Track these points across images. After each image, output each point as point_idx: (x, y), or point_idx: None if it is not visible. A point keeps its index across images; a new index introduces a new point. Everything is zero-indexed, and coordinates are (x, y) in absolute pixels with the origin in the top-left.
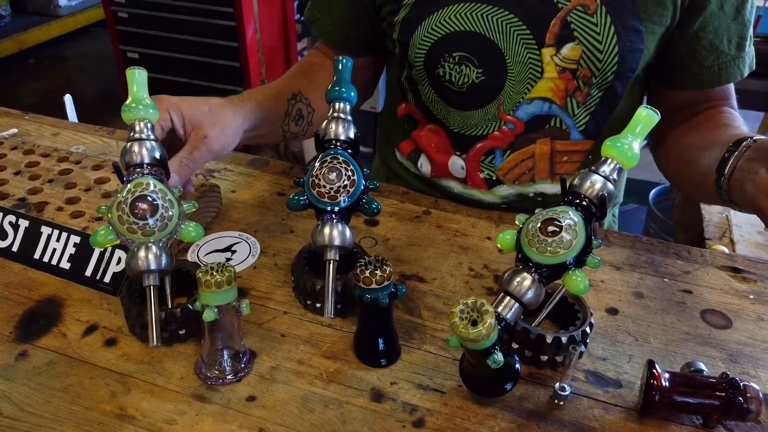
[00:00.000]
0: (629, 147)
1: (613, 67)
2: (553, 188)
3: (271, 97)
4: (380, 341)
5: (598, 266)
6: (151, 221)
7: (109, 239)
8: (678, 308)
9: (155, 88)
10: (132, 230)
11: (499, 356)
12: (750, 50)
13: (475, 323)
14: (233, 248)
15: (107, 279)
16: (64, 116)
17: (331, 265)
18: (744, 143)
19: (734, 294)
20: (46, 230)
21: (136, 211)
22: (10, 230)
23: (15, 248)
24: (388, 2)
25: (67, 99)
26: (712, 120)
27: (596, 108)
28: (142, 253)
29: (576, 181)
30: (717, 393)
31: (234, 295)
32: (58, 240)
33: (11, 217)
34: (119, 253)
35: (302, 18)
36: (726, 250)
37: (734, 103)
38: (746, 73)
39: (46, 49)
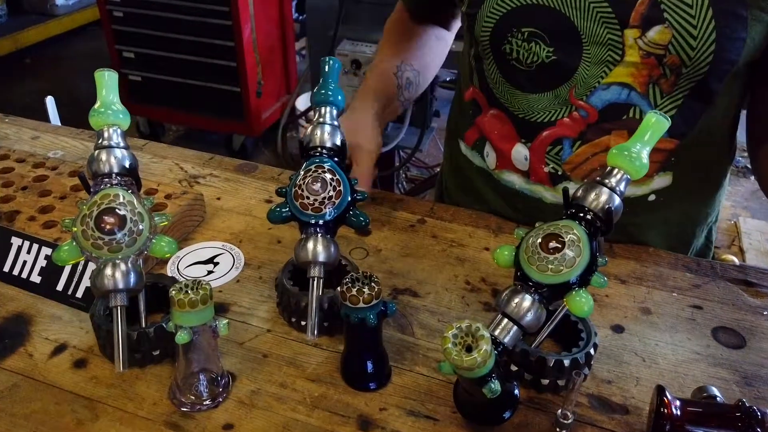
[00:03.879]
0: (637, 156)
1: (708, 57)
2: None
3: (384, 82)
4: (369, 363)
5: (604, 286)
6: (118, 236)
7: (74, 256)
8: (688, 325)
9: (151, 87)
10: (98, 246)
11: (495, 385)
12: None
13: (469, 349)
14: (215, 260)
15: (79, 294)
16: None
17: (315, 283)
18: None
19: (747, 310)
20: (16, 241)
21: (103, 225)
22: None
23: None
24: None
25: (49, 101)
26: None
27: (685, 102)
28: (108, 271)
29: (580, 193)
30: (733, 422)
31: (210, 314)
32: (28, 252)
33: None
34: (93, 266)
35: (300, 17)
36: (736, 260)
37: None
38: None
39: (43, 49)
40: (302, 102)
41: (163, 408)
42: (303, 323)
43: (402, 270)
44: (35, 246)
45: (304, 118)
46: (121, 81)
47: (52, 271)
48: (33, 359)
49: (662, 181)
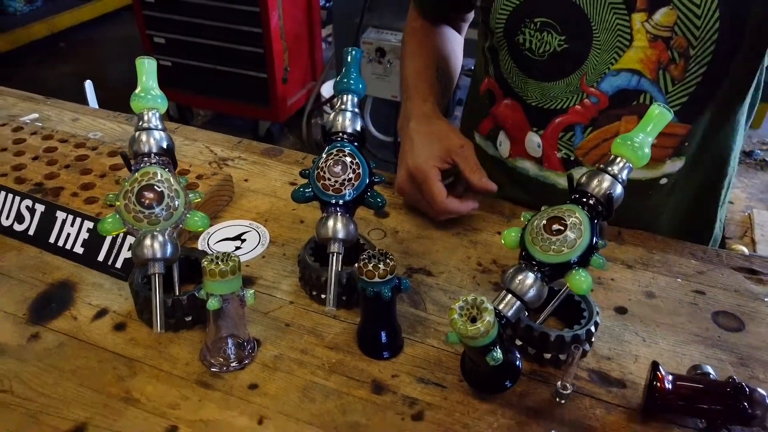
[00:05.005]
0: (640, 146)
1: (713, 35)
2: (637, 174)
3: (435, 87)
4: (383, 334)
5: (603, 267)
6: (156, 210)
7: (117, 227)
8: (689, 309)
9: (180, 72)
10: (138, 219)
11: (498, 354)
12: None
13: (474, 320)
14: (243, 237)
15: (119, 264)
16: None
17: (335, 258)
18: None
19: (749, 296)
20: (61, 215)
21: (143, 200)
22: (27, 214)
23: (31, 232)
24: None
25: (88, 85)
26: None
27: (697, 88)
28: (147, 242)
29: (583, 179)
30: (722, 397)
31: (238, 284)
32: (72, 225)
33: (28, 202)
34: (131, 239)
35: (327, 4)
36: (746, 250)
37: None
38: None
39: (76, 33)
40: (327, 89)
41: (194, 368)
42: (323, 296)
43: (417, 251)
44: (78, 219)
45: (329, 104)
46: None
47: (93, 242)
48: (77, 322)
49: (674, 165)
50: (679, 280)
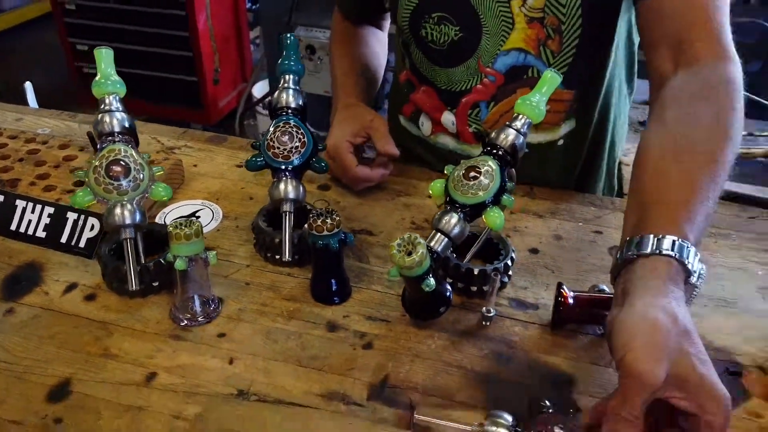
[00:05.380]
0: (537, 104)
1: (577, 10)
2: (538, 137)
3: (361, 83)
4: (333, 282)
5: (512, 205)
6: (124, 182)
7: (87, 199)
8: (589, 246)
9: None
10: (108, 191)
11: (431, 281)
12: None
13: (410, 254)
14: (197, 214)
15: (82, 244)
16: (24, 105)
17: (288, 216)
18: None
19: None
20: (20, 203)
21: (111, 173)
22: None
23: None
24: None
25: (28, 86)
26: (694, 90)
27: (574, 58)
28: (118, 211)
29: (493, 135)
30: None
31: (201, 246)
32: (33, 212)
33: None
34: (92, 220)
35: (253, 7)
36: None
37: (724, 36)
38: None
39: None
40: (259, 89)
41: (165, 326)
42: (277, 257)
43: (358, 216)
44: (38, 206)
45: (261, 105)
46: (75, 74)
47: (55, 226)
48: (49, 296)
49: (568, 126)
50: (580, 224)
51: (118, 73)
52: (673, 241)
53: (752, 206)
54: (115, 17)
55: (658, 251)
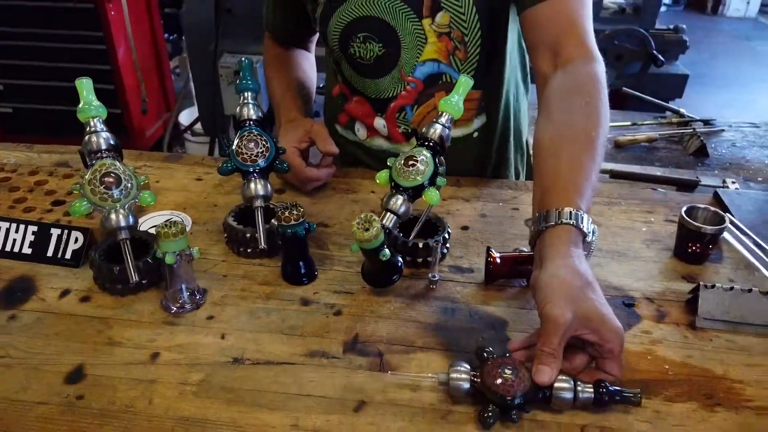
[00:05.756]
0: (456, 103)
1: (476, 26)
2: (456, 132)
3: (298, 100)
4: (301, 265)
5: (444, 184)
6: (116, 191)
7: (84, 208)
8: (509, 220)
9: (24, 118)
10: (103, 199)
11: (386, 251)
12: None
13: (367, 230)
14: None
15: (68, 256)
16: None
17: (260, 211)
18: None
19: None
20: (3, 225)
21: (105, 184)
22: None
23: None
24: (309, 2)
25: None
26: (570, 88)
27: (477, 65)
28: (113, 216)
29: (424, 130)
30: (531, 260)
31: (186, 243)
32: (17, 231)
33: None
34: (75, 233)
35: (171, 37)
36: None
37: (589, 38)
38: None
39: None
40: (186, 117)
41: (159, 315)
42: (249, 250)
43: (314, 212)
44: (21, 226)
45: (189, 132)
46: None
47: (40, 242)
48: (46, 302)
49: (479, 121)
50: (500, 204)
51: (42, 111)
52: (570, 212)
53: (638, 181)
54: (33, 55)
55: (560, 221)
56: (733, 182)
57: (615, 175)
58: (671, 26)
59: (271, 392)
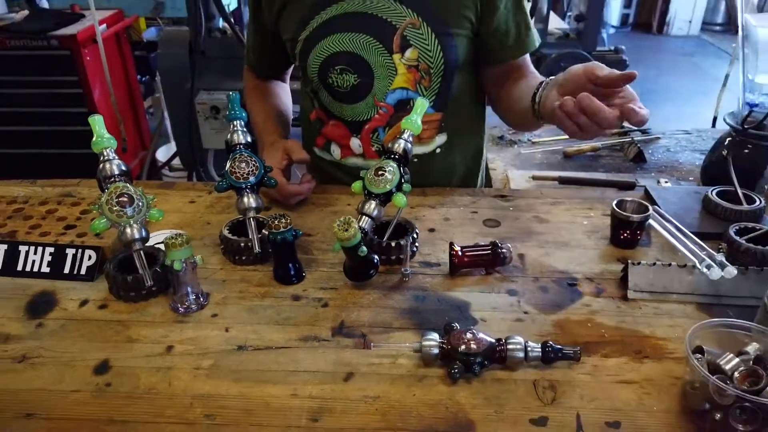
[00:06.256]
0: (415, 122)
1: (440, 61)
2: (420, 149)
3: (278, 127)
4: (291, 267)
5: (409, 190)
6: (129, 209)
7: (103, 225)
8: (470, 222)
9: (7, 163)
10: (119, 216)
11: (364, 248)
12: (534, 31)
13: (346, 230)
14: None
15: (83, 272)
16: None
17: (252, 221)
18: (544, 82)
19: (500, 209)
20: (23, 248)
21: (120, 204)
22: None
23: None
24: (288, 40)
25: None
26: (523, 80)
27: (439, 90)
28: (128, 230)
29: (390, 145)
30: (489, 252)
31: (191, 252)
32: (35, 253)
33: None
34: (89, 251)
35: (143, 79)
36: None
37: (534, 70)
38: (536, 44)
39: None
40: (162, 153)
41: (169, 316)
42: (244, 258)
43: (299, 224)
44: (39, 248)
45: (167, 167)
46: None
47: (57, 261)
48: (68, 311)
49: (441, 139)
50: (461, 208)
51: (18, 155)
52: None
53: (583, 185)
54: (10, 101)
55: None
56: (666, 181)
57: (563, 181)
58: (612, 47)
59: (272, 371)
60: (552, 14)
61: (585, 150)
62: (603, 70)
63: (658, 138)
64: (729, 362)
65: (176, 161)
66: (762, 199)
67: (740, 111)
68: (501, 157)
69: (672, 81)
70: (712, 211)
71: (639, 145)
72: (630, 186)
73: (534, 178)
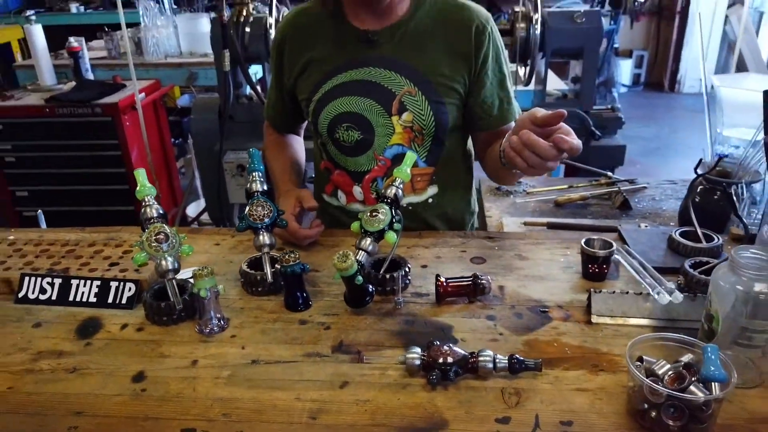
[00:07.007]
0: (405, 171)
1: (431, 124)
2: (415, 198)
3: (293, 176)
4: (299, 296)
5: (399, 228)
6: (165, 245)
7: (143, 258)
8: (459, 259)
9: (49, 221)
10: (157, 250)
11: (360, 278)
12: (514, 106)
13: (344, 261)
14: None
15: (124, 301)
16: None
17: (267, 255)
18: (507, 134)
19: (487, 248)
20: (74, 282)
21: (157, 240)
22: (48, 287)
23: (54, 297)
24: (303, 100)
25: (40, 214)
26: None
27: (431, 148)
28: (164, 262)
29: (383, 191)
30: (470, 283)
31: (215, 282)
32: (84, 285)
33: (48, 279)
34: (129, 284)
35: (176, 141)
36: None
37: None
38: (516, 116)
39: None
40: (192, 209)
41: (195, 337)
42: (259, 289)
43: (308, 261)
44: (88, 281)
45: (196, 222)
46: (15, 217)
47: (103, 292)
48: (111, 333)
49: (432, 190)
50: (452, 248)
51: (60, 212)
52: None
53: (570, 230)
54: (54, 163)
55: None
56: (646, 225)
57: (551, 226)
58: (609, 105)
59: (279, 380)
60: (552, 76)
61: (575, 199)
62: (540, 112)
63: (645, 187)
64: (662, 368)
65: (205, 216)
66: (719, 238)
67: (710, 162)
68: (497, 205)
69: (685, 137)
70: (675, 248)
71: (624, 194)
72: (612, 230)
73: (525, 224)
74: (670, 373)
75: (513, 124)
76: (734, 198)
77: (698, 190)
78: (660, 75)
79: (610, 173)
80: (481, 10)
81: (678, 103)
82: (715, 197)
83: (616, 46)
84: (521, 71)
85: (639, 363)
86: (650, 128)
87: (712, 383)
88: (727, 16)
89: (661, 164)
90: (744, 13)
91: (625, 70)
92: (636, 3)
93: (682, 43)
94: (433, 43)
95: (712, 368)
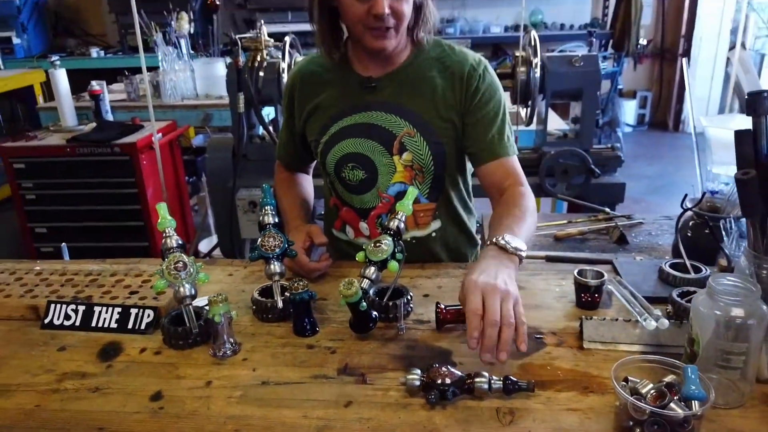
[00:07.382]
0: (407, 205)
1: (430, 162)
2: (418, 233)
3: (299, 209)
4: (307, 322)
5: (402, 258)
6: (183, 273)
7: (163, 284)
8: (459, 289)
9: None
10: (176, 278)
11: (364, 304)
12: (511, 141)
13: (349, 288)
14: None
15: (143, 327)
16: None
17: (278, 284)
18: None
19: None
20: (97, 308)
21: (176, 268)
22: (72, 314)
23: (77, 323)
24: (312, 141)
25: (63, 247)
26: (509, 199)
27: (432, 185)
28: (182, 289)
29: (387, 223)
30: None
31: (228, 307)
32: (107, 312)
33: (72, 306)
34: (148, 311)
35: (190, 180)
36: None
37: (523, 180)
38: (511, 153)
39: None
40: (205, 245)
41: (209, 360)
42: (270, 316)
43: (317, 290)
44: (110, 308)
45: (208, 257)
46: (33, 253)
47: (123, 319)
48: (130, 356)
49: (436, 224)
50: (453, 278)
51: (77, 248)
52: (497, 238)
53: (568, 263)
54: (71, 200)
55: (494, 241)
56: (641, 258)
57: (550, 259)
58: (609, 144)
59: (288, 399)
60: (553, 116)
61: (574, 234)
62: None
63: (641, 222)
64: (645, 387)
65: (217, 252)
66: (707, 269)
67: (696, 198)
68: None
69: (690, 176)
70: (665, 279)
71: (621, 229)
72: (607, 263)
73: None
74: (652, 392)
75: (513, 158)
76: (722, 232)
77: (690, 224)
78: (664, 115)
79: (608, 209)
80: (475, 55)
81: (682, 142)
82: (706, 231)
83: (620, 87)
84: (522, 112)
85: (624, 383)
86: (654, 167)
87: (692, 401)
88: (728, 59)
89: (666, 202)
90: (744, 54)
91: (629, 111)
92: (638, 46)
93: (684, 85)
94: (430, 87)
95: (692, 387)
